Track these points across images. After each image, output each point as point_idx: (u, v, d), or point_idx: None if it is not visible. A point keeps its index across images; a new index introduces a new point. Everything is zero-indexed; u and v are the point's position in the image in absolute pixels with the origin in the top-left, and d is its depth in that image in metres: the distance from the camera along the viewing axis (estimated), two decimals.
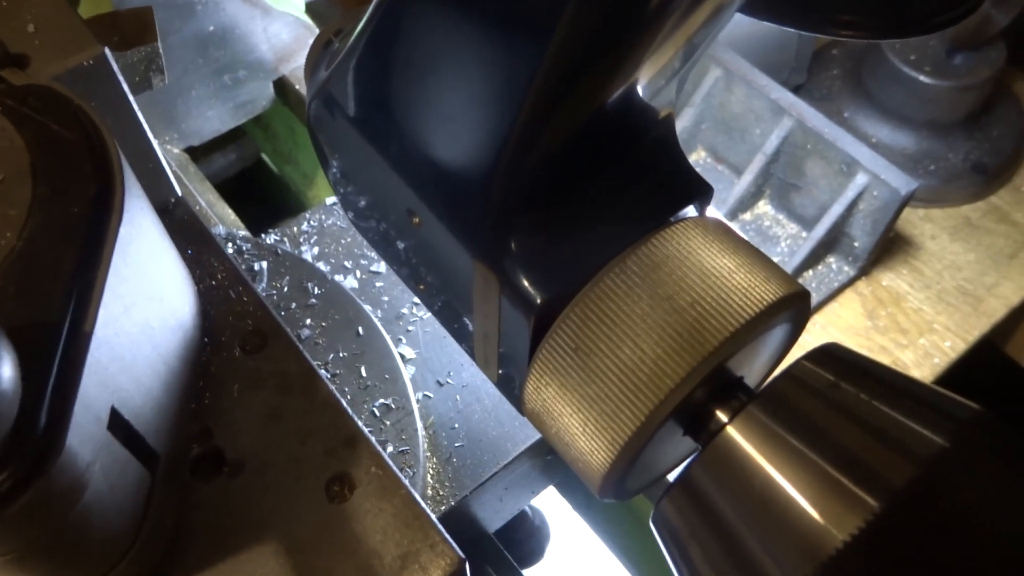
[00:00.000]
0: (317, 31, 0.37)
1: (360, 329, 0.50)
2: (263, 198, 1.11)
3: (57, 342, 0.26)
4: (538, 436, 0.50)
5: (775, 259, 0.68)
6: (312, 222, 0.60)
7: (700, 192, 0.31)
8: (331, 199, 0.62)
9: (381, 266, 0.57)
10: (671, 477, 0.33)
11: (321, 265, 0.56)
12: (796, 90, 0.82)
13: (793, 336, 0.32)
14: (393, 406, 0.47)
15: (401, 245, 0.37)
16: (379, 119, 0.33)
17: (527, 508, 0.78)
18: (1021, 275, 0.78)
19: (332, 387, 0.37)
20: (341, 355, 0.48)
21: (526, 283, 0.29)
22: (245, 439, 0.36)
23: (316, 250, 0.58)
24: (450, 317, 0.36)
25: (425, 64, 0.30)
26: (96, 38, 0.36)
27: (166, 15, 0.63)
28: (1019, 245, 0.80)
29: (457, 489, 0.47)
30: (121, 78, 0.37)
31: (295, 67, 0.82)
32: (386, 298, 0.55)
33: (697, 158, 0.83)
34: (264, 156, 1.07)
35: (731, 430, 0.27)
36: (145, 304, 0.32)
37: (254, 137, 1.02)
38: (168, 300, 0.34)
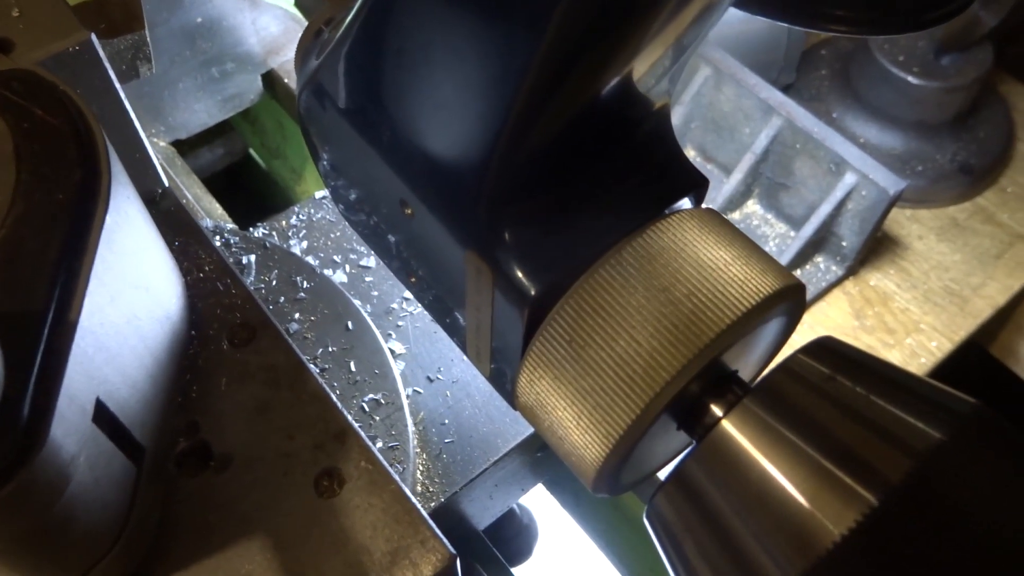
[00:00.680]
0: (306, 24, 0.37)
1: (349, 324, 0.49)
2: (250, 194, 1.10)
3: (41, 331, 0.25)
4: (529, 432, 0.50)
5: None
6: (301, 216, 0.59)
7: (696, 184, 0.31)
8: (320, 193, 0.61)
9: (371, 260, 0.57)
10: (664, 472, 0.33)
11: (310, 259, 0.55)
12: (785, 90, 0.82)
13: (788, 330, 0.32)
14: (383, 401, 0.47)
15: (392, 239, 0.37)
16: (370, 109, 0.33)
17: (515, 506, 0.78)
18: (1007, 276, 0.79)
19: (321, 381, 0.37)
20: (330, 350, 0.48)
21: (520, 274, 0.28)
22: (232, 433, 0.36)
23: (305, 244, 0.57)
24: (441, 311, 0.36)
25: (418, 53, 0.30)
26: (82, 24, 0.36)
27: (153, 5, 0.62)
28: (1005, 246, 0.81)
29: (447, 485, 0.47)
30: (108, 65, 0.36)
31: (284, 61, 0.81)
32: (375, 293, 0.55)
33: None
34: (251, 151, 1.06)
35: (726, 424, 0.27)
36: (131, 294, 0.31)
37: (241, 132, 1.01)
38: (155, 290, 0.34)
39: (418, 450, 0.47)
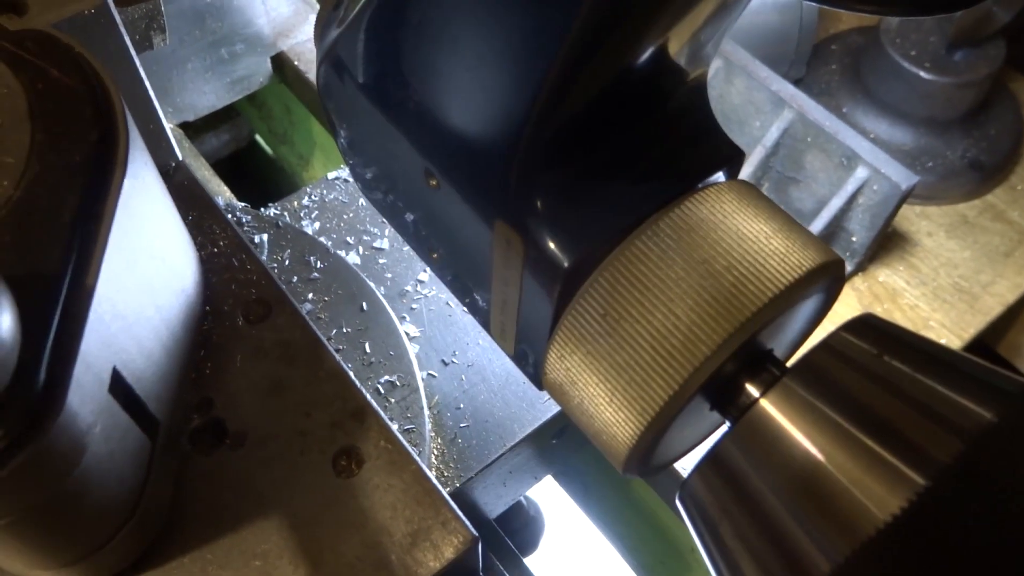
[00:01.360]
0: (317, 7, 0.36)
1: (364, 304, 0.48)
2: (256, 181, 1.09)
3: (58, 294, 0.24)
4: (545, 418, 0.49)
5: None
6: (313, 196, 0.58)
7: (731, 157, 0.30)
8: (333, 173, 0.60)
9: (384, 242, 0.56)
10: (692, 456, 0.32)
11: (322, 240, 0.54)
12: (795, 84, 0.82)
13: (824, 309, 0.31)
14: (398, 383, 0.46)
15: (410, 217, 0.36)
16: (392, 82, 0.32)
17: (522, 498, 0.77)
18: (1016, 273, 0.78)
19: (339, 358, 0.36)
20: (344, 330, 0.47)
21: (552, 245, 0.27)
22: (247, 410, 0.35)
23: (317, 225, 0.56)
24: (461, 291, 0.35)
25: (447, 21, 0.29)
26: None
27: None
28: (1015, 243, 0.80)
29: (462, 470, 0.46)
30: (124, 30, 0.35)
31: (294, 43, 0.80)
32: (389, 275, 0.54)
33: None
34: (258, 137, 1.05)
35: (765, 403, 0.26)
36: (147, 263, 0.30)
37: (248, 117, 1.00)
38: (170, 262, 0.33)
39: (432, 434, 0.46)
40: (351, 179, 0.60)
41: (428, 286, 0.54)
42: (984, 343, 0.87)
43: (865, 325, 0.27)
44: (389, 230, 0.57)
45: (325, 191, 0.59)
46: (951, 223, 0.81)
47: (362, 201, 0.58)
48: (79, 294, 0.25)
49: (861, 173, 0.69)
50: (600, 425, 0.28)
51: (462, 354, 0.51)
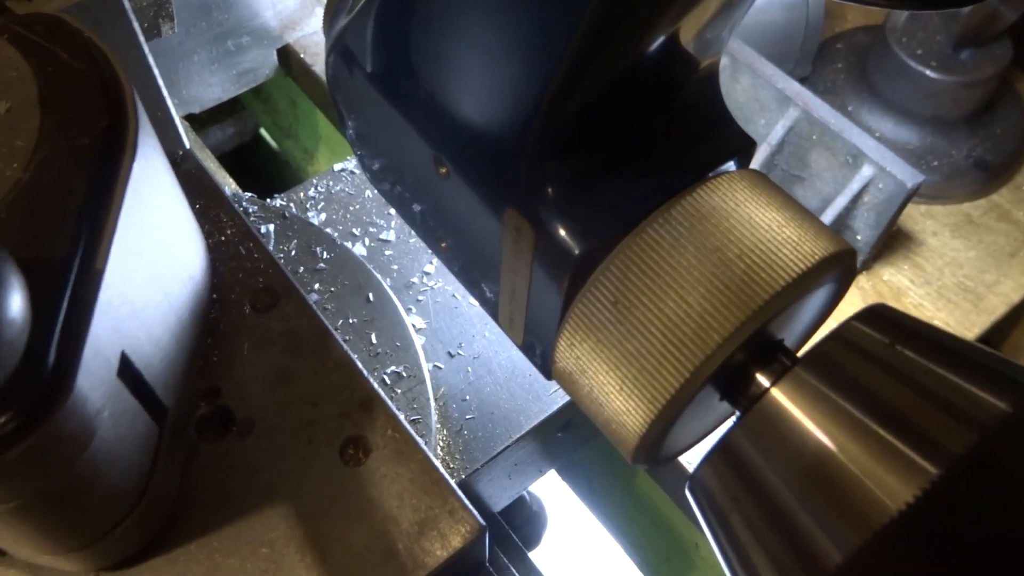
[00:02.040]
0: (324, 1, 0.36)
1: (370, 295, 0.48)
2: (261, 175, 1.09)
3: (67, 278, 0.24)
4: (551, 410, 0.49)
5: None
6: (319, 188, 0.58)
7: (743, 146, 0.30)
8: (339, 165, 0.60)
9: (391, 234, 0.56)
10: (701, 446, 0.32)
11: (329, 231, 0.54)
12: (800, 83, 0.82)
13: (835, 300, 0.31)
14: (405, 374, 0.46)
15: (418, 207, 0.36)
16: (401, 71, 0.31)
17: (525, 493, 0.77)
18: (1021, 273, 0.78)
19: (346, 347, 0.36)
20: (351, 321, 0.47)
21: (563, 232, 0.27)
22: (255, 399, 0.35)
23: (323, 216, 0.56)
24: (469, 281, 0.35)
25: (458, 9, 0.28)
26: None
27: None
28: (1020, 244, 0.80)
29: (467, 462, 0.46)
30: (132, 16, 0.35)
31: (300, 36, 0.80)
32: (396, 267, 0.54)
33: None
34: (263, 131, 1.05)
35: (776, 392, 0.26)
36: (156, 250, 0.30)
37: (253, 110, 1.00)
38: (179, 249, 0.33)
39: (438, 426, 0.46)
40: (357, 171, 0.60)
41: (434, 278, 0.54)
42: (988, 343, 0.87)
43: (877, 315, 0.27)
44: (395, 222, 0.57)
45: (331, 183, 0.59)
46: (956, 222, 0.81)
47: (368, 192, 0.58)
48: (88, 278, 0.24)
49: (867, 171, 0.68)
50: (610, 414, 0.28)
51: (468, 346, 0.51)
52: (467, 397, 0.48)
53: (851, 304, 0.74)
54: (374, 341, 0.46)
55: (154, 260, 0.30)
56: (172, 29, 0.43)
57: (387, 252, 0.54)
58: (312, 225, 0.52)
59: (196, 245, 0.35)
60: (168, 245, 0.32)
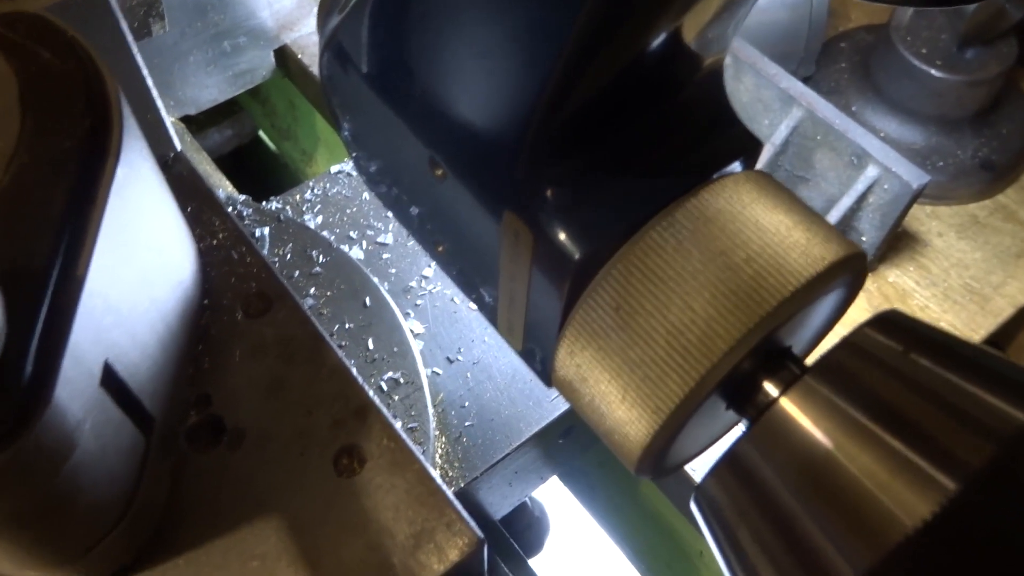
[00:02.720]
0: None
1: (367, 300, 0.47)
2: (259, 177, 1.08)
3: (45, 287, 0.23)
4: (552, 417, 0.48)
5: None
6: (316, 191, 0.57)
7: (748, 147, 0.29)
8: (336, 167, 0.59)
9: (388, 237, 0.55)
10: (701, 460, 0.31)
11: (325, 235, 0.53)
12: (804, 83, 0.81)
13: (844, 305, 0.30)
14: (402, 380, 0.45)
15: (415, 211, 0.35)
16: (396, 70, 0.31)
17: (527, 499, 0.76)
18: None
19: (341, 354, 0.35)
20: (347, 326, 0.46)
21: (563, 236, 0.26)
22: (246, 408, 0.34)
23: (320, 219, 0.55)
24: (467, 286, 0.34)
25: (453, 5, 0.28)
26: None
27: None
28: None
29: (467, 470, 0.45)
30: (120, 15, 0.34)
31: (297, 36, 0.79)
32: (393, 270, 0.53)
33: None
34: (261, 133, 1.04)
35: (785, 402, 0.25)
36: (143, 255, 0.29)
37: (251, 112, 0.99)
38: (168, 253, 0.32)
39: (437, 433, 0.45)
40: (354, 173, 0.59)
41: (433, 282, 0.53)
42: (995, 344, 0.86)
43: (889, 321, 0.26)
44: (393, 225, 0.56)
45: (328, 185, 0.58)
46: (962, 223, 0.80)
47: (365, 195, 0.57)
48: (68, 286, 0.24)
49: (871, 172, 0.68)
50: (612, 424, 0.27)
51: (467, 351, 0.50)
52: (466, 403, 0.47)
53: (856, 306, 0.73)
54: (371, 347, 0.45)
55: (141, 266, 0.29)
56: (163, 28, 0.42)
57: (385, 256, 0.53)
58: (308, 228, 0.51)
59: (186, 249, 0.34)
60: (156, 250, 0.31)
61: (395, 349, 0.45)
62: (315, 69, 0.76)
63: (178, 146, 0.41)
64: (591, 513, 0.81)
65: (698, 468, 0.49)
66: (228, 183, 0.69)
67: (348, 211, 0.56)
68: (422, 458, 0.32)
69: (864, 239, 0.72)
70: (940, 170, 0.81)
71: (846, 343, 0.25)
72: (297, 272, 0.48)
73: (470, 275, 0.33)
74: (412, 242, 0.54)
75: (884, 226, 0.71)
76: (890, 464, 0.22)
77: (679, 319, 0.24)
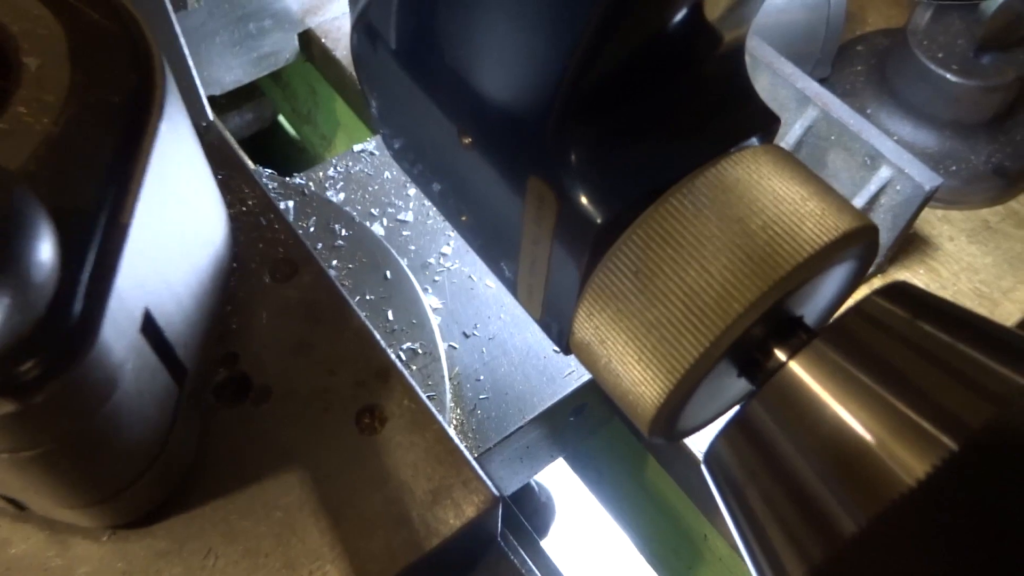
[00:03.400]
0: None
1: (388, 273, 0.48)
2: (278, 161, 1.10)
3: (94, 230, 0.24)
4: (565, 392, 0.49)
5: None
6: (339, 168, 0.58)
7: (766, 123, 0.30)
8: (359, 146, 0.60)
9: (408, 215, 0.56)
10: (716, 425, 0.32)
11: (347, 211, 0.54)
12: (820, 84, 0.82)
13: (856, 279, 0.30)
14: (420, 351, 0.46)
15: (438, 186, 0.36)
16: (424, 43, 0.31)
17: (533, 483, 0.77)
18: None
19: (364, 318, 0.36)
20: (368, 298, 0.47)
21: (586, 201, 0.27)
22: (272, 366, 0.35)
23: (342, 196, 0.56)
24: (489, 259, 0.35)
25: None
26: None
27: None
28: None
29: (480, 441, 0.46)
30: None
31: (321, 20, 0.80)
32: (413, 247, 0.54)
33: None
34: (281, 117, 1.05)
35: (795, 365, 0.26)
36: (180, 210, 0.30)
37: (272, 96, 1.00)
38: (201, 213, 0.33)
39: (452, 404, 0.46)
40: (377, 151, 0.60)
41: (451, 259, 0.54)
42: None
43: (899, 291, 0.26)
44: (414, 203, 0.57)
45: (351, 163, 0.59)
46: (973, 228, 0.80)
47: (387, 173, 0.58)
48: (114, 231, 0.25)
49: (884, 173, 0.68)
50: (628, 384, 0.28)
51: (483, 327, 0.51)
52: (481, 377, 0.49)
53: None
54: (390, 318, 0.46)
55: (177, 221, 0.30)
56: (198, 2, 0.43)
57: (405, 232, 0.55)
58: (331, 203, 0.52)
59: (218, 212, 0.36)
60: (191, 208, 0.32)
61: (414, 321, 0.46)
62: (338, 53, 0.77)
63: (211, 115, 0.42)
64: (597, 497, 0.82)
65: (704, 449, 0.50)
66: (250, 163, 0.70)
67: (370, 188, 0.57)
68: (441, 419, 0.33)
69: None
70: (953, 175, 0.81)
71: (855, 309, 0.26)
72: (320, 244, 0.49)
73: (492, 248, 0.34)
74: (432, 220, 0.56)
75: (896, 227, 0.71)
76: (893, 424, 0.23)
77: (696, 282, 0.25)
